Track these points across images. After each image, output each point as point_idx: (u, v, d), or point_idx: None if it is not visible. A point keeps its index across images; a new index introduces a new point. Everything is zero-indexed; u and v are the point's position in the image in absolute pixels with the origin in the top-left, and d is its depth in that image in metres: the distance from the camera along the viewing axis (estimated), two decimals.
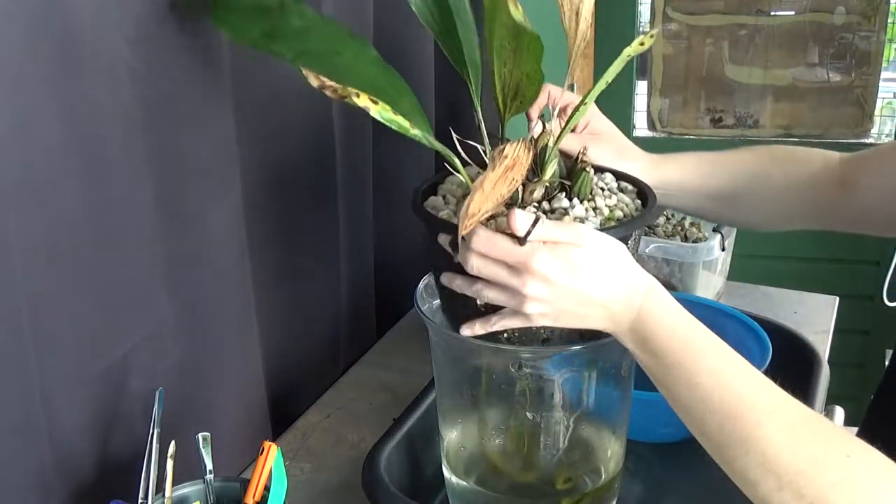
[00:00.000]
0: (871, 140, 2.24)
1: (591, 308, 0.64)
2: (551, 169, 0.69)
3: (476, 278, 0.66)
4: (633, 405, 0.81)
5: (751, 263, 1.61)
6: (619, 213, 0.71)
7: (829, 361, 1.06)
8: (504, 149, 0.60)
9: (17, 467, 0.67)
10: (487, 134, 0.72)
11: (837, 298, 1.35)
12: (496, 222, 0.65)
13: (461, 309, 0.70)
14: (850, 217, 0.87)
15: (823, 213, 0.89)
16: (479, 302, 0.68)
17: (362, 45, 0.73)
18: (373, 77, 0.70)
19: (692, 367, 0.62)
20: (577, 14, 0.67)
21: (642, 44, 0.66)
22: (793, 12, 2.17)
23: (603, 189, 0.74)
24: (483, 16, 0.66)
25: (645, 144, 0.92)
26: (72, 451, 0.73)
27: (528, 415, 0.77)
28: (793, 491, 0.56)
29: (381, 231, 1.20)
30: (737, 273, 1.42)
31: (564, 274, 0.62)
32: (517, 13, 0.59)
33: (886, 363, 0.94)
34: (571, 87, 0.82)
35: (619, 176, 0.77)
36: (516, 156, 0.60)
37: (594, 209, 0.70)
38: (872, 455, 0.57)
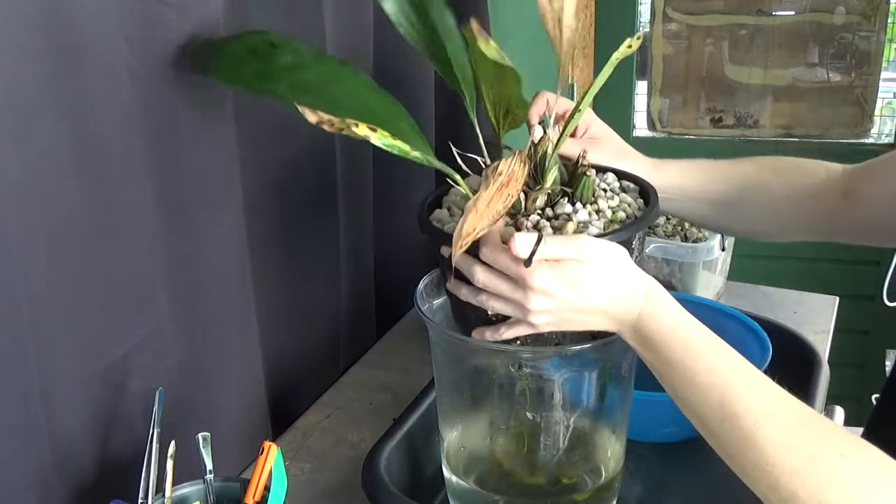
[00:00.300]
0: (870, 140, 2.23)
1: (592, 315, 0.65)
2: (552, 176, 0.69)
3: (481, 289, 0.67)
4: (633, 405, 0.81)
5: (751, 263, 1.61)
6: (621, 214, 0.72)
7: (829, 361, 1.06)
8: (498, 165, 0.60)
9: (17, 467, 0.67)
10: (486, 143, 0.73)
11: (837, 298, 1.35)
12: (503, 231, 0.65)
13: (472, 315, 0.71)
14: (851, 228, 0.87)
15: (824, 223, 0.88)
16: (490, 313, 0.68)
17: (354, 72, 0.74)
18: (368, 101, 0.71)
19: (692, 367, 0.63)
20: (559, 22, 0.67)
21: (630, 47, 0.66)
22: (793, 12, 2.17)
23: (605, 190, 0.74)
24: None
25: (645, 144, 0.92)
26: (72, 451, 0.73)
27: (528, 415, 0.77)
28: (789, 490, 0.57)
29: (381, 231, 1.20)
30: (737, 273, 1.42)
31: (566, 288, 0.63)
32: (490, 50, 0.60)
33: (889, 363, 0.94)
34: (571, 88, 0.82)
35: (621, 175, 0.78)
36: (511, 171, 0.60)
37: (597, 212, 0.70)
38: (869, 453, 0.58)
